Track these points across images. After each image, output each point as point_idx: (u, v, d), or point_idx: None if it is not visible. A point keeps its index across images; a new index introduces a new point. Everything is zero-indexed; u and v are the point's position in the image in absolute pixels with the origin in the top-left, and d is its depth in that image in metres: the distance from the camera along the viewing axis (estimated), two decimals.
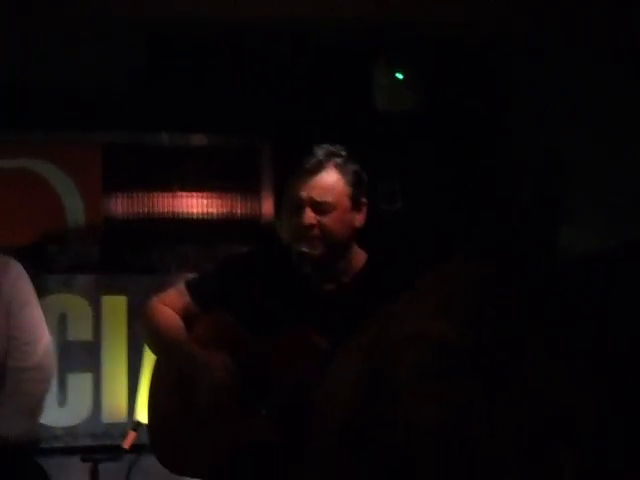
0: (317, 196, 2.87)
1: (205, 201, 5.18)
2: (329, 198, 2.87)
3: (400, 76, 4.81)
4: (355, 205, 2.93)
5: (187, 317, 3.04)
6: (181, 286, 3.09)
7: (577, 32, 4.47)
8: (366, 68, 4.85)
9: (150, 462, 3.67)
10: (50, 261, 4.67)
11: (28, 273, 3.47)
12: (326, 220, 2.87)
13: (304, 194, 2.88)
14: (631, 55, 4.28)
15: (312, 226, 2.86)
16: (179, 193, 5.06)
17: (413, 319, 0.71)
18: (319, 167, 2.88)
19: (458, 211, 4.90)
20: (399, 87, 4.80)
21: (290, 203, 2.93)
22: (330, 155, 2.91)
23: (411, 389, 0.65)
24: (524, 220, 4.85)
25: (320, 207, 2.87)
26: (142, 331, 3.17)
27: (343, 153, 2.94)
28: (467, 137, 4.98)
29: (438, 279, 0.75)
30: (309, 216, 2.86)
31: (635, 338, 0.71)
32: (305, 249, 2.85)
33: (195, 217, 5.19)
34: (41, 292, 3.70)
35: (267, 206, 5.08)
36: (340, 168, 2.90)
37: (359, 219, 2.94)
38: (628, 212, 4.29)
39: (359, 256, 2.99)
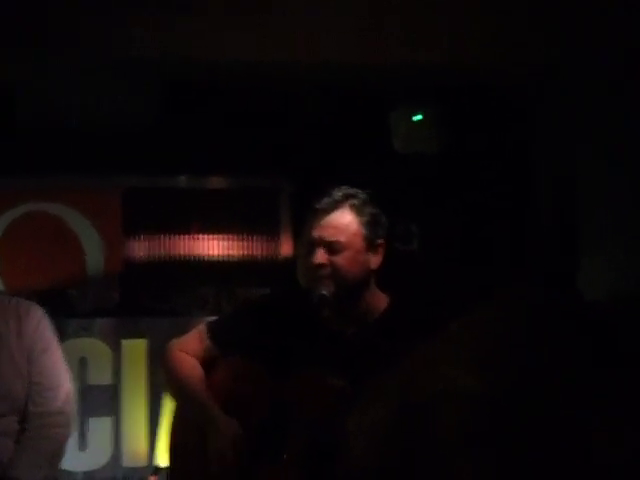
0: (328, 236, 2.87)
1: (225, 243, 5.19)
2: (340, 238, 2.87)
3: (418, 118, 4.83)
4: (370, 246, 2.91)
5: (207, 359, 3.04)
6: (201, 328, 3.09)
7: (595, 70, 4.49)
8: (385, 111, 4.87)
9: None
10: (70, 305, 4.68)
11: (49, 317, 3.49)
12: (337, 259, 2.87)
13: (316, 234, 2.88)
14: None
15: (322, 265, 2.86)
16: (199, 236, 5.08)
17: (446, 372, 0.70)
18: (333, 207, 2.89)
19: (476, 252, 4.90)
20: (417, 129, 4.82)
21: (304, 243, 2.94)
22: (347, 196, 2.91)
23: (448, 444, 0.65)
24: (544, 258, 4.84)
25: (331, 247, 2.87)
26: (162, 376, 3.17)
27: (361, 195, 2.94)
28: (485, 178, 4.98)
29: (468, 329, 0.75)
30: (320, 255, 2.86)
31: None
32: (324, 292, 2.85)
33: (215, 259, 5.21)
34: (61, 336, 3.71)
35: (286, 248, 5.09)
36: (355, 209, 2.90)
37: (375, 261, 2.93)
38: None
39: (380, 299, 2.98)
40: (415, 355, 0.77)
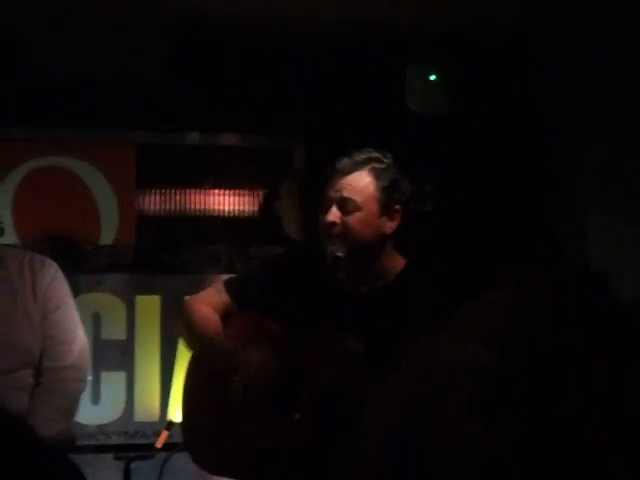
0: (345, 193, 2.88)
1: (238, 200, 5.20)
2: (355, 197, 2.88)
3: (433, 78, 4.80)
4: (385, 211, 2.92)
5: (224, 315, 3.06)
6: (219, 285, 3.13)
7: (611, 30, 4.46)
8: (400, 70, 4.85)
9: (182, 461, 3.69)
10: (84, 260, 4.70)
11: (62, 272, 3.51)
12: (349, 219, 2.88)
13: (332, 191, 2.90)
14: None
15: (334, 224, 2.88)
16: (212, 191, 5.09)
17: (459, 350, 0.71)
18: (352, 168, 2.90)
19: (490, 213, 4.90)
20: (432, 89, 4.80)
21: (323, 202, 2.96)
22: (369, 160, 2.91)
23: (462, 420, 0.66)
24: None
25: (345, 205, 2.88)
26: (179, 328, 3.19)
27: (386, 160, 2.93)
28: (499, 139, 4.97)
29: (482, 307, 0.76)
30: (333, 214, 2.88)
31: None
32: (339, 253, 2.86)
33: (229, 216, 5.22)
34: (75, 291, 3.73)
35: None
36: (375, 172, 2.90)
37: (390, 226, 2.93)
38: None
39: (397, 261, 2.99)
40: (431, 333, 0.77)
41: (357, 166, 2.90)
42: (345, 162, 2.90)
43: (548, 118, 4.94)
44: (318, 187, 4.88)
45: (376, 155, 2.93)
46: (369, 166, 2.90)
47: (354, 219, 2.88)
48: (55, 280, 3.44)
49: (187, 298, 3.16)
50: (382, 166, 2.92)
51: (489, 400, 0.67)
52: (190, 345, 3.16)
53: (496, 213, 4.89)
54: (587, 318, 0.72)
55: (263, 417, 2.90)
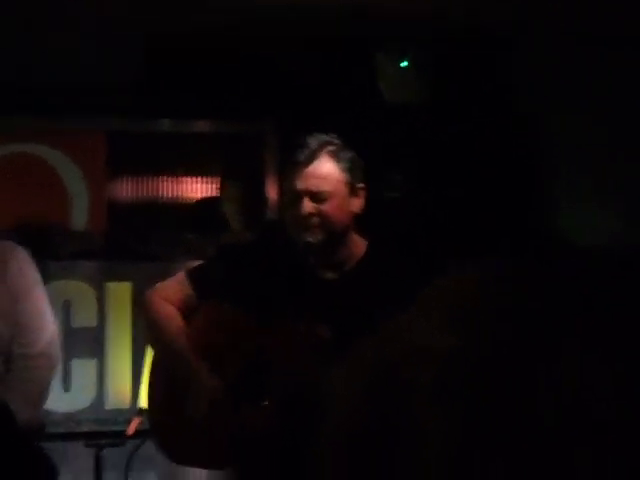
0: (313, 186, 2.89)
1: (210, 186, 5.19)
2: (325, 187, 2.90)
3: (405, 64, 4.81)
4: (352, 191, 2.94)
5: (187, 308, 3.03)
6: (181, 276, 3.08)
7: (583, 19, 4.48)
8: (372, 56, 4.85)
9: (153, 448, 3.69)
10: (55, 247, 4.67)
11: (32, 259, 3.49)
12: (324, 208, 2.89)
13: (300, 185, 2.90)
14: None
15: (311, 215, 2.89)
16: (184, 179, 5.07)
17: (419, 334, 0.71)
18: (312, 157, 2.90)
19: (461, 201, 4.91)
20: (404, 76, 4.80)
21: (288, 195, 2.96)
22: (323, 144, 2.92)
23: (422, 404, 0.66)
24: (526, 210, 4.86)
25: (317, 196, 2.89)
26: (143, 323, 3.16)
27: (336, 141, 2.95)
28: (473, 127, 4.98)
29: (442, 291, 0.76)
30: (307, 206, 2.89)
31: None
32: (310, 239, 2.87)
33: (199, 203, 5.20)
34: (45, 278, 3.71)
35: (271, 193, 5.09)
36: (334, 156, 2.92)
37: (357, 204, 2.96)
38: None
39: (359, 244, 3.01)
40: (392, 321, 0.77)
41: (314, 154, 2.90)
42: (301, 153, 2.90)
43: (521, 107, 4.96)
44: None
45: (327, 138, 2.94)
46: (325, 151, 2.91)
47: (329, 207, 2.90)
48: (24, 267, 3.42)
49: (148, 291, 3.11)
50: (336, 148, 2.93)
51: (451, 387, 0.67)
52: (152, 346, 3.14)
53: (469, 200, 4.90)
54: (555, 304, 0.72)
55: (230, 406, 2.89)
